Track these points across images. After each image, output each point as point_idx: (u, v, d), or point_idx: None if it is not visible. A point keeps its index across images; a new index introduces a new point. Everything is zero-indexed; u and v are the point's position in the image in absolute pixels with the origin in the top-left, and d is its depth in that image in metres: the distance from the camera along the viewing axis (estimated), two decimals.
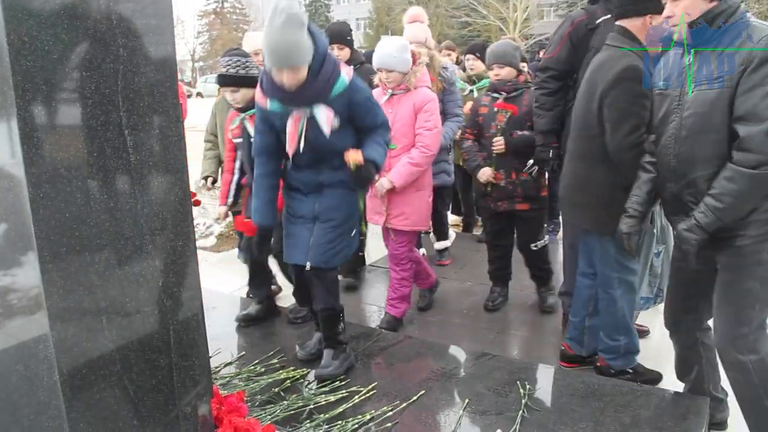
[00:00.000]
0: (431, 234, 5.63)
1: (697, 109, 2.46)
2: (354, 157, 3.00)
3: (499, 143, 4.06)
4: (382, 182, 3.83)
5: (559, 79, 3.62)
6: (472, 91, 5.72)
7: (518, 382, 3.10)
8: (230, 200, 3.95)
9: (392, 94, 3.94)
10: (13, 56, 1.56)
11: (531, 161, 4.01)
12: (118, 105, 1.80)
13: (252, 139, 3.30)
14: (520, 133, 4.03)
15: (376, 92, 3.92)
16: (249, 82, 3.54)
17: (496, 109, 4.12)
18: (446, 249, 5.62)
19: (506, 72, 4.12)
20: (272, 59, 2.82)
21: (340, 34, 4.73)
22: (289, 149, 3.05)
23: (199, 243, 6.16)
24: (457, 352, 3.57)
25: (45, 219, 1.66)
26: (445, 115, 4.58)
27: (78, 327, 1.78)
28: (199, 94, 35.95)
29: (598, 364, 3.42)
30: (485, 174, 4.13)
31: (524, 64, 4.72)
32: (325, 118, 2.94)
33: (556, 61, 3.60)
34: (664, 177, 2.64)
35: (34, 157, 1.63)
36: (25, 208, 1.63)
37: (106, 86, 1.77)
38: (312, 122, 2.97)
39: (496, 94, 4.17)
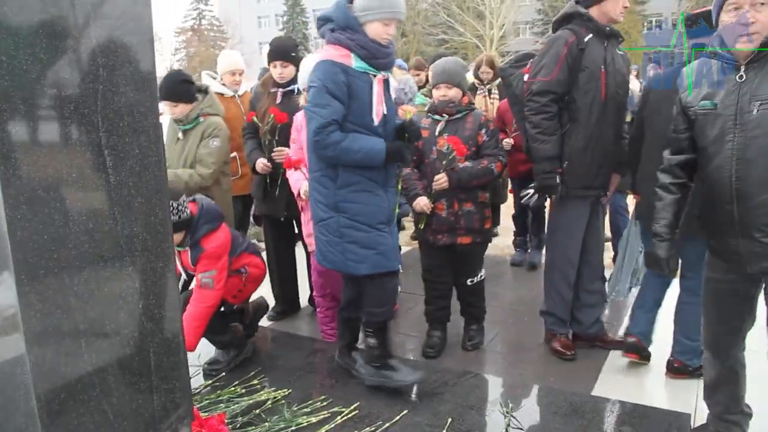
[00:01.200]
0: None
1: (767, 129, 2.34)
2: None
3: (441, 181, 3.65)
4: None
5: (557, 102, 3.58)
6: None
7: (501, 400, 3.10)
8: None
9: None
10: None
11: (531, 190, 3.84)
12: (97, 125, 1.78)
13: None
14: (462, 165, 3.65)
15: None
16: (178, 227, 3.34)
17: (437, 132, 3.75)
18: None
19: (454, 93, 3.76)
20: (392, 5, 2.96)
21: (285, 51, 4.22)
22: (377, 115, 3.02)
23: None
24: (439, 371, 3.55)
25: (22, 241, 1.63)
26: None
27: (56, 350, 1.74)
28: None
29: (676, 365, 3.53)
30: (420, 204, 3.71)
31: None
32: (394, 83, 3.02)
33: (556, 83, 3.52)
34: (720, 198, 2.50)
35: (12, 178, 1.60)
36: (2, 229, 1.60)
37: (85, 106, 1.74)
38: (386, 87, 3.06)
39: (437, 116, 3.80)
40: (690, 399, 3.27)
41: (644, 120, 3.52)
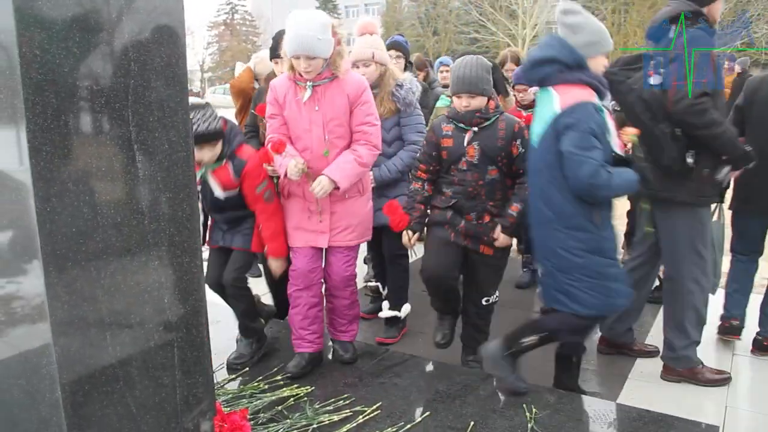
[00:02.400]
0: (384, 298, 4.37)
1: None
2: None
3: (500, 240, 3.39)
4: (322, 181, 3.19)
5: None
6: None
7: (524, 405, 3.06)
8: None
9: (314, 86, 3.21)
10: (24, 69, 1.55)
11: (725, 168, 3.44)
12: (127, 120, 1.79)
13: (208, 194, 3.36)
14: (512, 210, 3.35)
15: (281, 85, 3.33)
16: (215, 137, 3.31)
17: (466, 143, 3.38)
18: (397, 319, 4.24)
19: (478, 102, 3.36)
20: (609, 38, 3.06)
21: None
22: (618, 146, 3.08)
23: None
24: (463, 373, 3.52)
25: (51, 233, 1.65)
26: (401, 141, 4.00)
27: (81, 341, 1.76)
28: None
29: (765, 343, 3.87)
30: (408, 240, 3.51)
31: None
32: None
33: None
34: None
35: (43, 171, 1.61)
36: (32, 221, 1.62)
37: (116, 100, 1.75)
38: None
39: (462, 125, 3.41)
40: (719, 410, 3.21)
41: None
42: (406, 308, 4.18)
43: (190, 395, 2.11)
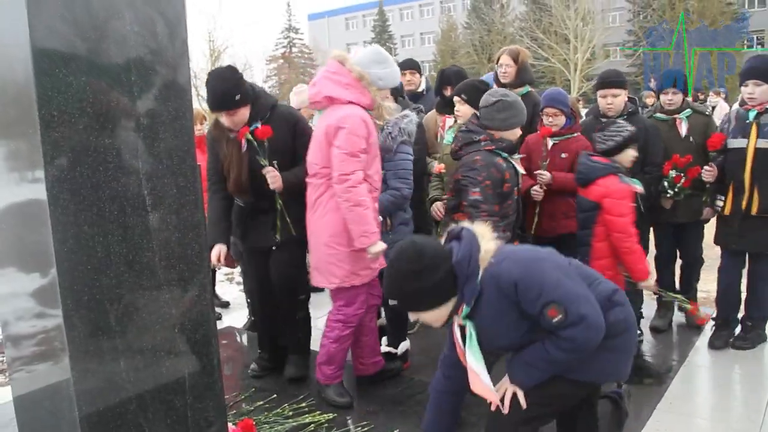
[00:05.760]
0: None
1: None
2: None
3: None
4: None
5: None
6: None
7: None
8: None
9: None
10: (44, 128, 1.78)
11: None
12: (138, 169, 2.00)
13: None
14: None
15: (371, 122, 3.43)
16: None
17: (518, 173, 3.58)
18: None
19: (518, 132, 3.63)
20: None
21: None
22: None
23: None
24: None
25: (69, 270, 1.86)
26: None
27: (97, 369, 1.96)
28: None
29: None
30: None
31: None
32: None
33: None
34: None
35: (60, 217, 1.83)
36: (51, 260, 1.84)
37: (126, 151, 1.97)
38: None
39: (514, 156, 3.58)
40: None
41: None
42: (404, 345, 4.08)
43: (202, 419, 2.28)
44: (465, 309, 2.42)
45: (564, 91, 4.56)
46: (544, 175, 4.10)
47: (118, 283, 1.98)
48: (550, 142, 4.21)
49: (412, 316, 2.59)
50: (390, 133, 3.71)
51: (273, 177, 3.52)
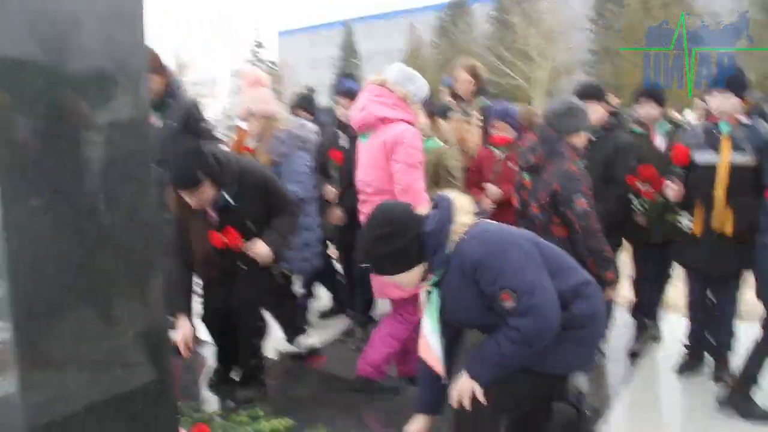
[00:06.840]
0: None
1: None
2: None
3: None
4: None
5: None
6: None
7: None
8: None
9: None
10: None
11: None
12: (94, 174, 2.05)
13: None
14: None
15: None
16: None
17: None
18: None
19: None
20: None
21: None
22: None
23: None
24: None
25: (22, 284, 1.87)
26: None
27: (47, 379, 1.97)
28: None
29: None
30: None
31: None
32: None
33: None
34: None
35: (12, 223, 1.83)
36: (2, 269, 1.84)
37: (83, 157, 2.00)
38: None
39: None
40: None
41: None
42: (309, 340, 4.48)
43: (155, 426, 2.29)
44: (432, 277, 2.54)
45: (515, 107, 4.62)
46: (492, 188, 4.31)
47: (71, 295, 2.00)
48: (498, 153, 4.40)
49: (384, 279, 2.68)
50: (284, 141, 4.16)
51: (257, 253, 3.60)
